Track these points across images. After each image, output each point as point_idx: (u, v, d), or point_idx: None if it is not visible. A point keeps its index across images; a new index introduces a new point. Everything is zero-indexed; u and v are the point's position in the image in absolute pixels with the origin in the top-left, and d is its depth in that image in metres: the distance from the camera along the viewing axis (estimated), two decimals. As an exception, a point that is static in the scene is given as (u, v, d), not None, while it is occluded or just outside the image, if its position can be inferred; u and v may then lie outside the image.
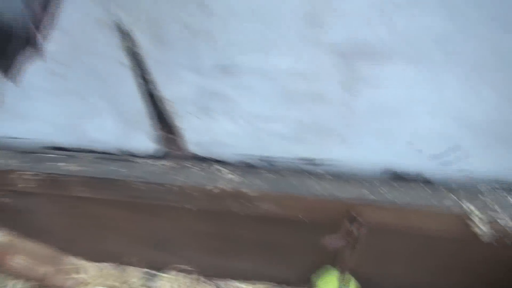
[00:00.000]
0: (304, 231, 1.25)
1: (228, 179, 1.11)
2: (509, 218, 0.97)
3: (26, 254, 1.69)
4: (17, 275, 1.69)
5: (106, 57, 0.93)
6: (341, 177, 1.07)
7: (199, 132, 1.10)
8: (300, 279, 1.60)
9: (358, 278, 1.40)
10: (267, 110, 0.97)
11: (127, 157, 1.23)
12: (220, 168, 1.14)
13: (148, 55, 0.90)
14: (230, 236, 1.43)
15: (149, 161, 1.20)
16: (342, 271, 1.22)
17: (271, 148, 1.09)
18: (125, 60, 0.93)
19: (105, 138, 1.18)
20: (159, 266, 1.76)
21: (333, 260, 1.38)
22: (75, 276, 1.76)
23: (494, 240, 0.99)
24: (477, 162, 0.97)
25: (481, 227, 0.99)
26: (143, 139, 1.15)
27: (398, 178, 1.05)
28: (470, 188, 1.01)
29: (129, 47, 0.90)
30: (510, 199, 0.98)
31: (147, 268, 1.78)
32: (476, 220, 0.98)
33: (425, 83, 0.82)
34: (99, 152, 1.23)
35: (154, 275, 1.77)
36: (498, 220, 0.97)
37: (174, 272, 1.76)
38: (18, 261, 1.69)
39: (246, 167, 1.14)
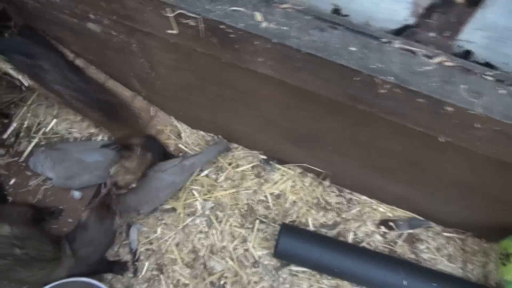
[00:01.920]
0: None
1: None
2: None
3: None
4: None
5: None
6: None
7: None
8: (473, 229, 1.26)
9: None
10: None
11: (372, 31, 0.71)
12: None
13: None
14: (422, 165, 1.02)
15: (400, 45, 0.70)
16: None
17: None
18: None
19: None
20: (284, 159, 1.41)
21: None
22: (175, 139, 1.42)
23: None
24: None
25: None
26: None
27: None
28: None
29: None
30: None
31: (269, 156, 1.43)
32: None
33: None
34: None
35: (273, 165, 1.43)
36: None
37: (298, 169, 1.41)
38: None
39: None
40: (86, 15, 1.00)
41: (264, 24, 0.72)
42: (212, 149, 1.40)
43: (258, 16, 0.72)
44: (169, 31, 0.82)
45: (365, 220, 1.38)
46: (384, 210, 1.39)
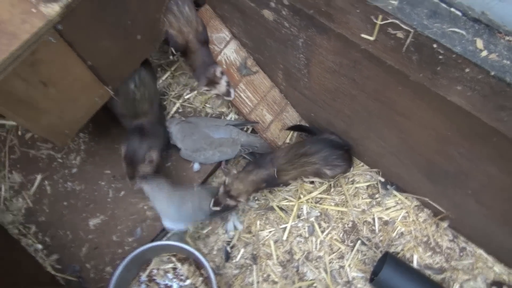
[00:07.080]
0: None
1: None
2: None
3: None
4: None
5: None
6: None
7: None
8: None
9: None
10: None
11: None
12: None
13: None
14: None
15: None
16: None
17: None
18: None
19: None
20: (404, 187, 1.35)
21: None
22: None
23: None
24: None
25: None
26: None
27: None
28: None
29: None
30: None
31: (388, 179, 1.38)
32: None
33: None
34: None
35: (390, 190, 1.37)
36: None
37: (415, 202, 1.34)
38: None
39: None
40: (268, 1, 1.02)
41: (484, 53, 0.67)
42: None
43: (479, 43, 0.68)
44: (365, 36, 0.80)
45: (476, 275, 1.27)
46: (499, 271, 1.27)
